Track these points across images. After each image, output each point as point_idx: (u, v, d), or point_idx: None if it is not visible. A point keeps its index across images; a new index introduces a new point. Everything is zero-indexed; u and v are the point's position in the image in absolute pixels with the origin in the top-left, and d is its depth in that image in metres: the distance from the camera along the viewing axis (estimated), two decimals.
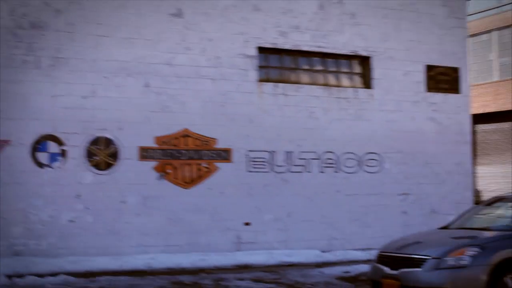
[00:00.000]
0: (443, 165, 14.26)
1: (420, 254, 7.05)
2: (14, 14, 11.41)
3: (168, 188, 12.23)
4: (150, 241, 12.05)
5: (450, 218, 13.69)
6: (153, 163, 12.15)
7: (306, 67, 13.55)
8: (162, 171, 12.21)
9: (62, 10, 11.68)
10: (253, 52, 12.89)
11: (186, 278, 10.49)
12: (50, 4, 11.62)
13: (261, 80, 13.01)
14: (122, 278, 10.49)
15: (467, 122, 14.62)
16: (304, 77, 13.53)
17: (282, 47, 13.18)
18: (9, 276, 10.16)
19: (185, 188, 12.33)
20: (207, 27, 12.56)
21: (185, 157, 12.36)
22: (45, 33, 11.58)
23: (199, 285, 9.87)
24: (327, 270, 11.43)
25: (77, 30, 11.75)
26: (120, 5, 12.00)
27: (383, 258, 7.59)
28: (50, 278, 10.13)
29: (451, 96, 14.42)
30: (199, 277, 10.71)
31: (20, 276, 10.20)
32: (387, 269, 7.33)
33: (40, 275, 10.28)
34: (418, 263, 6.96)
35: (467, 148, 14.54)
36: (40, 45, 11.53)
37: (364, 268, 10.73)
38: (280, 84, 13.13)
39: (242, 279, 10.41)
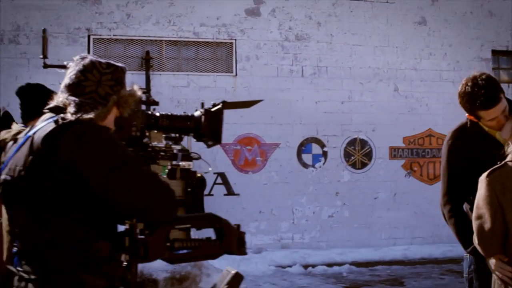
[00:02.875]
0: None
1: None
2: (281, 28, 12.55)
3: (414, 184, 13.25)
4: (399, 234, 13.11)
5: None
6: (401, 162, 13.18)
7: None
8: (409, 168, 13.23)
9: (322, 22, 12.74)
10: (488, 55, 13.67)
11: (454, 267, 11.54)
12: (313, 18, 12.70)
13: None
14: (393, 267, 11.63)
15: None
16: None
17: None
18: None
19: (429, 184, 13.32)
20: (448, 33, 13.38)
21: (429, 155, 13.33)
22: (308, 44, 12.68)
23: None
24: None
25: (335, 41, 12.80)
26: (372, 16, 12.96)
27: None
28: (336, 268, 11.35)
29: None
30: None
31: (309, 266, 11.45)
32: None
33: (315, 265, 11.53)
34: None
35: None
36: (303, 55, 12.65)
37: None
38: (511, 85, 13.90)
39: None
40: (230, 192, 12.19)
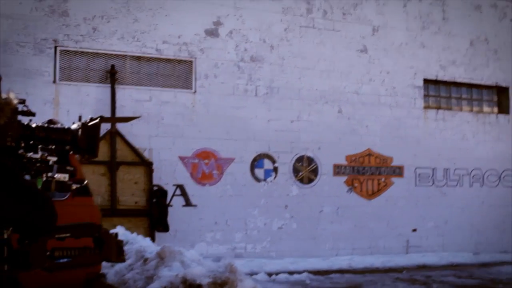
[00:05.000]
0: None
1: None
2: (237, 49, 13.29)
3: (355, 199, 14.22)
4: (341, 245, 14.01)
5: None
6: (344, 178, 14.13)
7: (459, 96, 15.68)
8: (351, 184, 14.19)
9: (275, 46, 13.58)
10: (420, 83, 14.95)
11: (399, 275, 12.49)
12: (266, 41, 13.52)
13: (426, 107, 15.07)
14: (346, 275, 12.42)
15: None
16: (458, 105, 15.67)
17: (441, 79, 15.25)
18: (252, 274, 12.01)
19: (368, 200, 14.33)
20: (386, 61, 14.57)
21: (368, 173, 14.35)
22: (262, 66, 13.48)
23: (419, 281, 11.90)
24: (503, 269, 13.55)
25: (286, 63, 13.67)
26: (320, 42, 13.95)
27: None
28: (297, 276, 12.02)
29: None
30: (405, 274, 12.74)
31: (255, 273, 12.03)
32: None
33: (273, 273, 12.16)
34: None
35: None
36: (257, 76, 13.43)
37: None
38: (440, 111, 15.22)
39: (445, 276, 12.49)
40: (188, 203, 12.71)
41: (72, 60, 12.08)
